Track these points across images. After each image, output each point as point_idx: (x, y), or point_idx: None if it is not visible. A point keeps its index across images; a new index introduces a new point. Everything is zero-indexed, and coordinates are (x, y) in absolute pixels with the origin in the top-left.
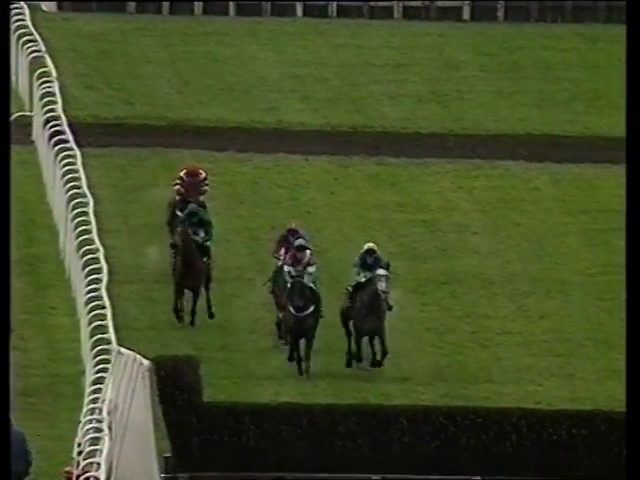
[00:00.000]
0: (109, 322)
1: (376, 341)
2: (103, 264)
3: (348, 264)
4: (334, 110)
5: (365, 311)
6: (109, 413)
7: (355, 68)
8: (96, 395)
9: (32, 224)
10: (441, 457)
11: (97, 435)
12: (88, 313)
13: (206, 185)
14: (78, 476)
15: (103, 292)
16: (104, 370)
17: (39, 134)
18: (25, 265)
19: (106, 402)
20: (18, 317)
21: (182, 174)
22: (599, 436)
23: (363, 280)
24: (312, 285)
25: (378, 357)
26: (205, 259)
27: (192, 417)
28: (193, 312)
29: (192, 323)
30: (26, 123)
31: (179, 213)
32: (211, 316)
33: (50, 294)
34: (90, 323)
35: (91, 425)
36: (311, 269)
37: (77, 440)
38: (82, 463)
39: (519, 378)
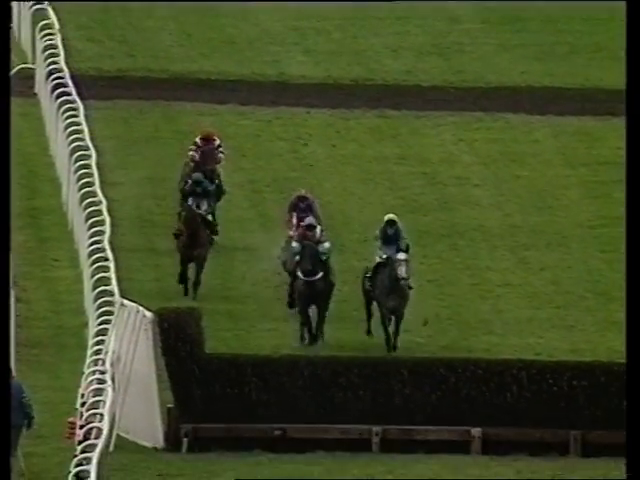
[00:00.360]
0: (112, 274)
1: (393, 322)
2: (106, 216)
3: (349, 216)
4: (335, 63)
5: (387, 291)
6: (112, 365)
7: (356, 21)
8: (99, 347)
9: (35, 177)
10: (442, 408)
11: (100, 386)
12: (91, 265)
13: (221, 152)
14: (81, 427)
15: (106, 244)
16: (107, 322)
17: (42, 86)
18: (27, 218)
19: (109, 354)
20: (21, 269)
21: (197, 139)
22: (599, 387)
23: (383, 258)
24: (323, 257)
25: (392, 342)
26: (208, 232)
27: (194, 368)
28: (196, 284)
29: (194, 294)
30: (29, 75)
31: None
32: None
33: (53, 246)
34: (93, 275)
35: (94, 376)
36: (323, 247)
37: (80, 391)
38: (85, 414)
39: (519, 330)
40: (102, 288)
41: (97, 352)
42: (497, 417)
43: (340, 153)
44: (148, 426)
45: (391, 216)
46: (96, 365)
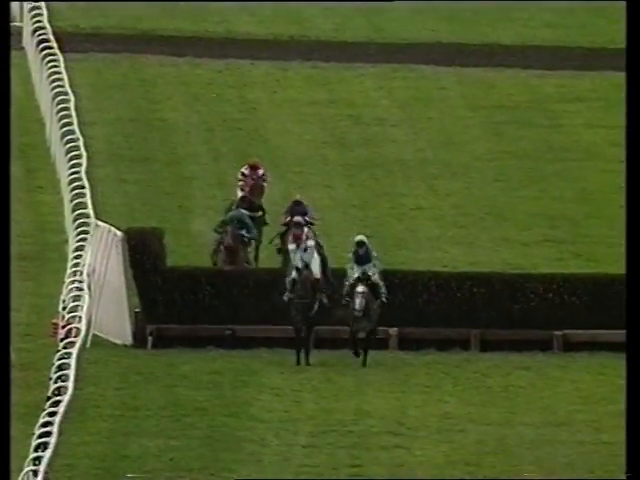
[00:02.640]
0: (88, 199)
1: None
2: (82, 151)
3: (287, 152)
4: (275, 22)
5: (352, 317)
6: (88, 275)
7: None
8: (77, 260)
9: (22, 117)
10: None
11: (78, 293)
12: (70, 192)
13: (264, 181)
14: (63, 327)
15: (83, 174)
16: (84, 239)
17: (28, 41)
18: (17, 152)
19: (86, 266)
20: (12, 195)
21: (244, 170)
22: (494, 293)
23: (355, 276)
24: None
25: (363, 358)
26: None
27: (157, 279)
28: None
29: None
30: (17, 32)
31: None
32: None
33: (38, 176)
34: (72, 200)
35: (73, 285)
36: (310, 242)
37: (62, 297)
38: (66, 316)
39: (429, 246)
40: (80, 211)
41: (76, 265)
42: (411, 318)
43: (279, 98)
44: (119, 326)
45: (360, 237)
46: (75, 275)
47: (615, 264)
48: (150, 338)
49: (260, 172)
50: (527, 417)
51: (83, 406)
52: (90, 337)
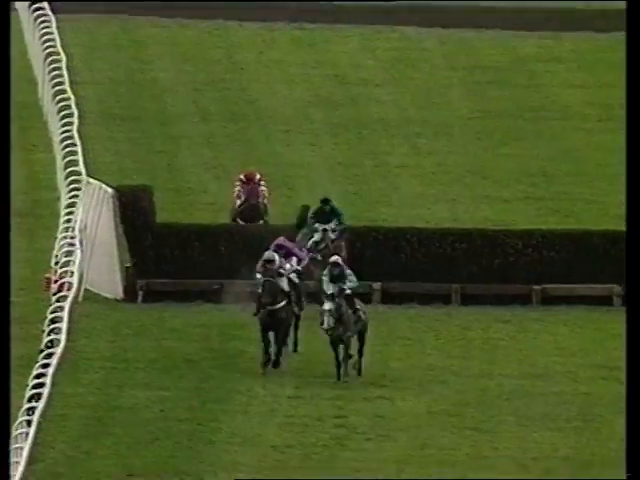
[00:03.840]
0: (79, 157)
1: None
2: (74, 110)
3: (274, 111)
4: None
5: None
6: (80, 231)
7: None
8: (69, 217)
9: (16, 77)
10: (349, 267)
11: (70, 249)
12: (62, 150)
13: (262, 186)
14: (55, 281)
15: (74, 133)
16: (76, 196)
17: (21, 3)
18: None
19: (78, 222)
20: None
21: (241, 177)
22: (475, 249)
23: (329, 293)
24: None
25: (341, 368)
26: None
27: (147, 235)
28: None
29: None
30: None
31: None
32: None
33: (31, 134)
34: (64, 158)
35: (65, 241)
36: (286, 269)
37: (54, 252)
38: (59, 271)
39: (412, 203)
40: (71, 169)
41: (68, 221)
42: (394, 273)
43: (266, 59)
44: (110, 281)
45: (335, 258)
46: (67, 231)
47: (592, 220)
48: (140, 292)
49: (257, 178)
50: (506, 369)
51: (75, 358)
52: (82, 291)
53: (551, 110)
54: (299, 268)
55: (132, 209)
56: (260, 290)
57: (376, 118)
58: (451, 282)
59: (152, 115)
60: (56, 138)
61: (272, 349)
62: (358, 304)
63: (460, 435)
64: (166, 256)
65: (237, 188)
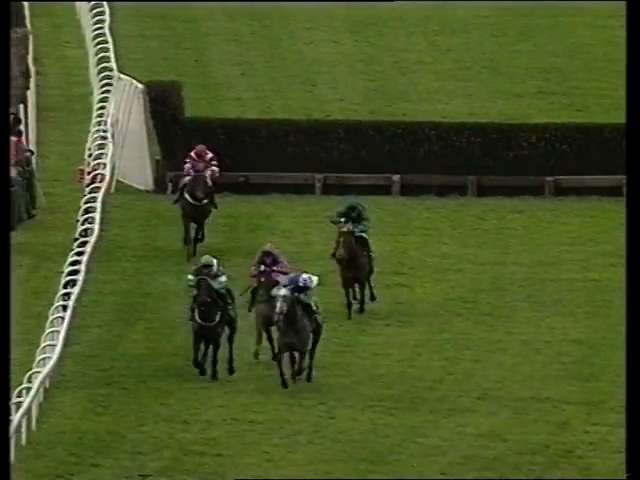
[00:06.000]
0: (111, 54)
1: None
2: (106, 8)
3: (297, 9)
4: None
5: (282, 327)
6: (112, 125)
7: None
8: (101, 111)
9: None
10: (370, 160)
11: (103, 142)
12: (95, 46)
13: (213, 165)
14: (89, 173)
15: (106, 30)
16: (107, 92)
17: None
18: (45, 8)
19: (109, 116)
20: (40, 49)
21: (192, 154)
22: (491, 142)
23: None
24: (221, 290)
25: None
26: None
27: (176, 129)
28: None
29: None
30: None
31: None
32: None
33: (64, 31)
34: (96, 54)
35: (98, 134)
36: (219, 281)
37: (88, 145)
38: (92, 163)
39: (430, 98)
40: (103, 65)
41: (100, 115)
42: (412, 166)
43: None
44: (141, 173)
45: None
46: (99, 125)
47: (603, 114)
48: (170, 184)
49: (208, 157)
50: (520, 257)
51: (108, 247)
52: (114, 183)
53: (564, 7)
54: (225, 288)
55: (161, 104)
56: (195, 290)
57: (395, 15)
58: (467, 174)
59: (180, 13)
60: (89, 35)
61: (202, 359)
62: (315, 306)
63: (475, 320)
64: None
65: (186, 165)
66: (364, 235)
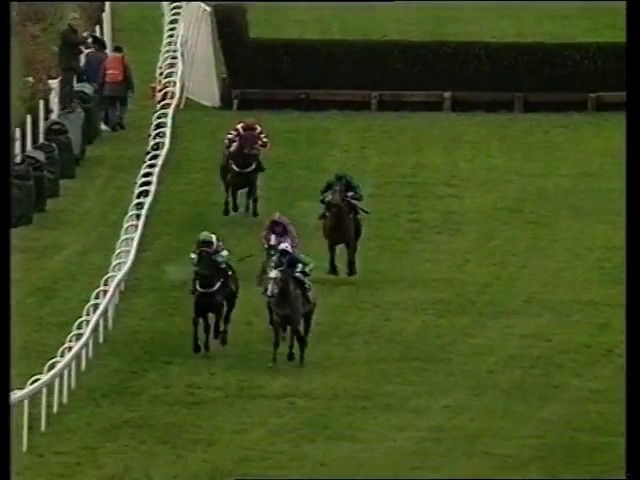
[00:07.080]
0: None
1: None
2: None
3: None
4: None
5: (275, 301)
6: (182, 45)
7: None
8: (172, 32)
9: None
10: (422, 78)
11: (173, 61)
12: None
13: (262, 137)
14: (160, 90)
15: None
16: (177, 14)
17: None
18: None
19: (179, 37)
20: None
21: (239, 127)
22: (537, 61)
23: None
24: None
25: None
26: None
27: (242, 49)
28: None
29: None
30: None
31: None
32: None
33: None
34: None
35: (169, 54)
36: (220, 256)
37: (159, 64)
38: (163, 81)
39: (480, 19)
40: None
41: (170, 36)
42: (462, 84)
43: None
44: (208, 91)
45: (283, 246)
46: (170, 46)
47: None
48: (235, 101)
49: (257, 130)
50: (564, 169)
51: (178, 159)
52: (183, 99)
53: None
54: (226, 262)
55: (228, 25)
56: (196, 264)
57: None
58: (514, 91)
59: None
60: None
61: (201, 335)
62: (307, 284)
63: (521, 228)
64: (258, 68)
65: (230, 136)
66: (355, 202)
